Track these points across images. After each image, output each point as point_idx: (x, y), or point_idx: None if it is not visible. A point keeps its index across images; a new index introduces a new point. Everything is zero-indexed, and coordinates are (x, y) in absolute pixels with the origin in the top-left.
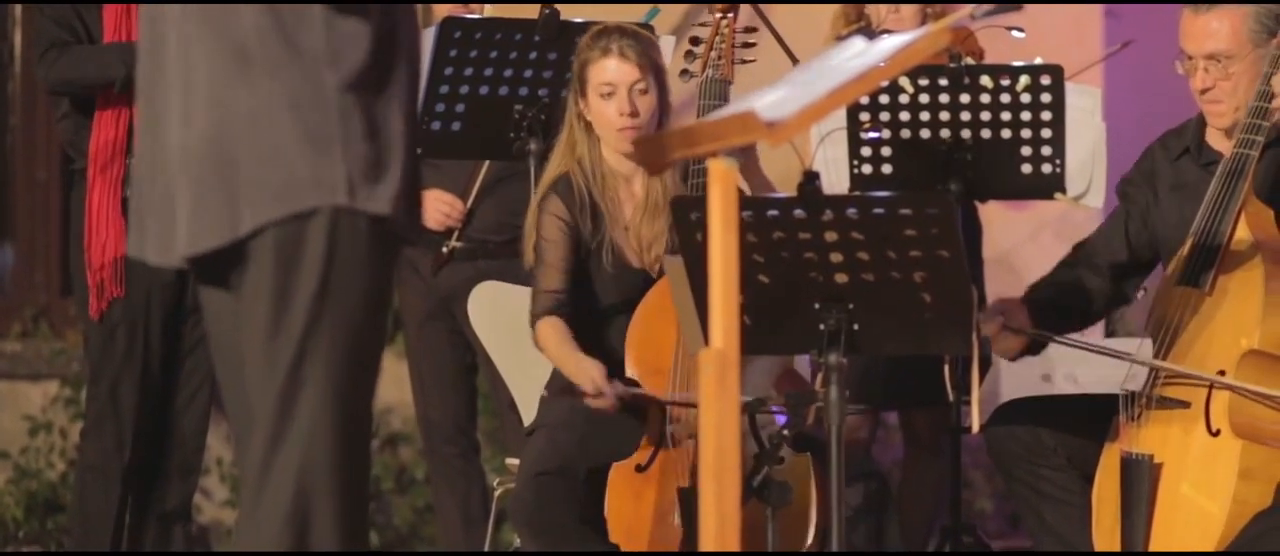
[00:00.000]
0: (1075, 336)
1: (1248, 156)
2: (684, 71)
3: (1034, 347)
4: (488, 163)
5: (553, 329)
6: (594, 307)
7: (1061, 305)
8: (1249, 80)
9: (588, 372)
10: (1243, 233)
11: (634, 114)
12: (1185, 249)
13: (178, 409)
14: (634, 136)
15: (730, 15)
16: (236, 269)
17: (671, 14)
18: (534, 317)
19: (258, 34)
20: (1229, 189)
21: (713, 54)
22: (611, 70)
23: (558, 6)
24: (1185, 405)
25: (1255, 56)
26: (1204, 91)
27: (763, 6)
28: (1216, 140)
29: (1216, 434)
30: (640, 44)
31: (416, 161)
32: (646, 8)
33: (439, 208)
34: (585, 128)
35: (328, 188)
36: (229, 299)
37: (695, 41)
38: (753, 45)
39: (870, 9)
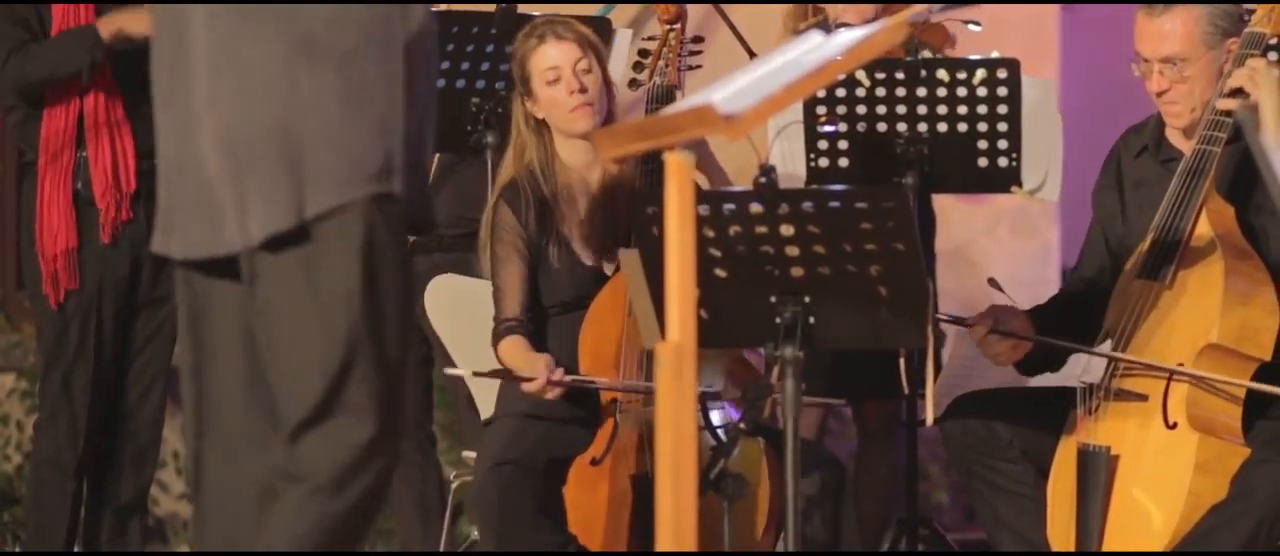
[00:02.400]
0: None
1: (1210, 153)
2: (633, 81)
3: (1035, 363)
4: (437, 155)
5: (514, 345)
6: (545, 305)
7: (1064, 318)
8: (1205, 82)
9: (535, 364)
10: (1203, 229)
11: (583, 90)
12: (1146, 244)
13: (132, 402)
14: (588, 113)
15: (677, 25)
16: (280, 255)
17: (626, 9)
18: (495, 339)
19: (328, 24)
20: (1191, 185)
21: (660, 63)
22: (552, 55)
23: (515, 2)
24: (1143, 398)
25: (1209, 58)
26: (1160, 94)
27: (719, 5)
28: (1176, 138)
29: (1173, 427)
30: (573, 26)
31: (425, 157)
32: (601, 5)
33: None
34: (535, 126)
35: (386, 174)
36: (245, 289)
37: (644, 53)
38: (699, 53)
39: (826, 5)
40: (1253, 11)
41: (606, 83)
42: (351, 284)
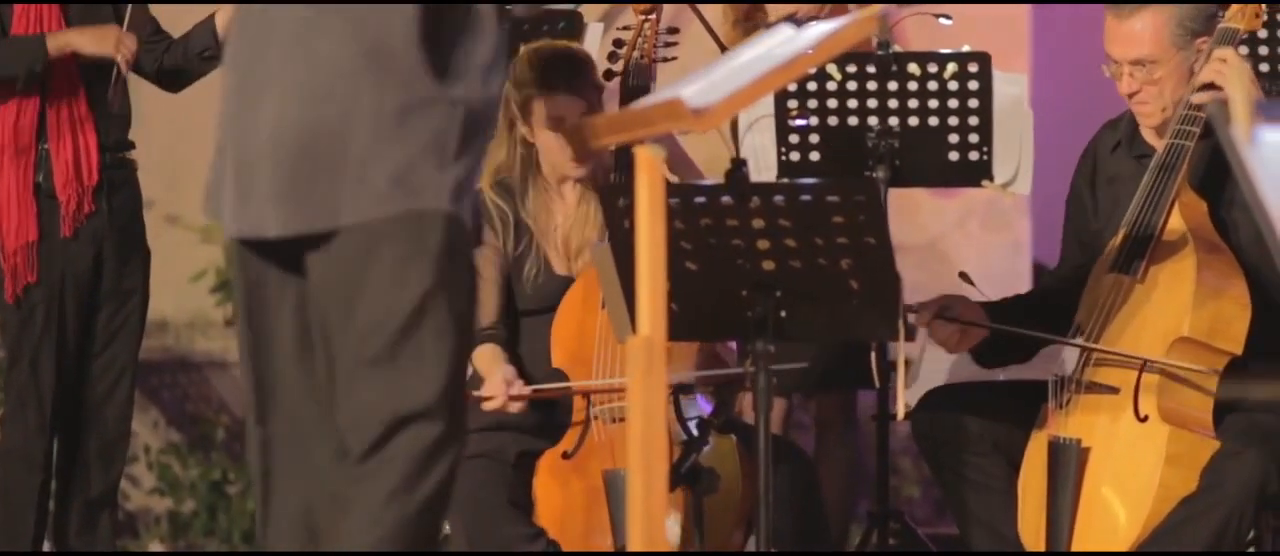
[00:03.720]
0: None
1: (1182, 148)
2: (607, 72)
3: (991, 352)
4: None
5: (487, 354)
6: (516, 314)
7: (1034, 314)
8: (1175, 82)
9: (491, 380)
10: (1176, 223)
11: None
12: (1118, 238)
13: (99, 396)
14: (584, 166)
15: (652, 16)
16: (322, 257)
17: (597, 6)
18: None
19: (403, 37)
20: (1164, 179)
21: (635, 54)
22: (561, 106)
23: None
24: (1114, 390)
25: (1179, 59)
26: (1131, 95)
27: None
28: (1150, 134)
29: (1144, 420)
30: (583, 71)
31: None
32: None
33: None
34: (522, 141)
35: (436, 192)
36: (302, 283)
37: (618, 43)
38: (674, 43)
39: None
40: (1225, 8)
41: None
42: (399, 296)
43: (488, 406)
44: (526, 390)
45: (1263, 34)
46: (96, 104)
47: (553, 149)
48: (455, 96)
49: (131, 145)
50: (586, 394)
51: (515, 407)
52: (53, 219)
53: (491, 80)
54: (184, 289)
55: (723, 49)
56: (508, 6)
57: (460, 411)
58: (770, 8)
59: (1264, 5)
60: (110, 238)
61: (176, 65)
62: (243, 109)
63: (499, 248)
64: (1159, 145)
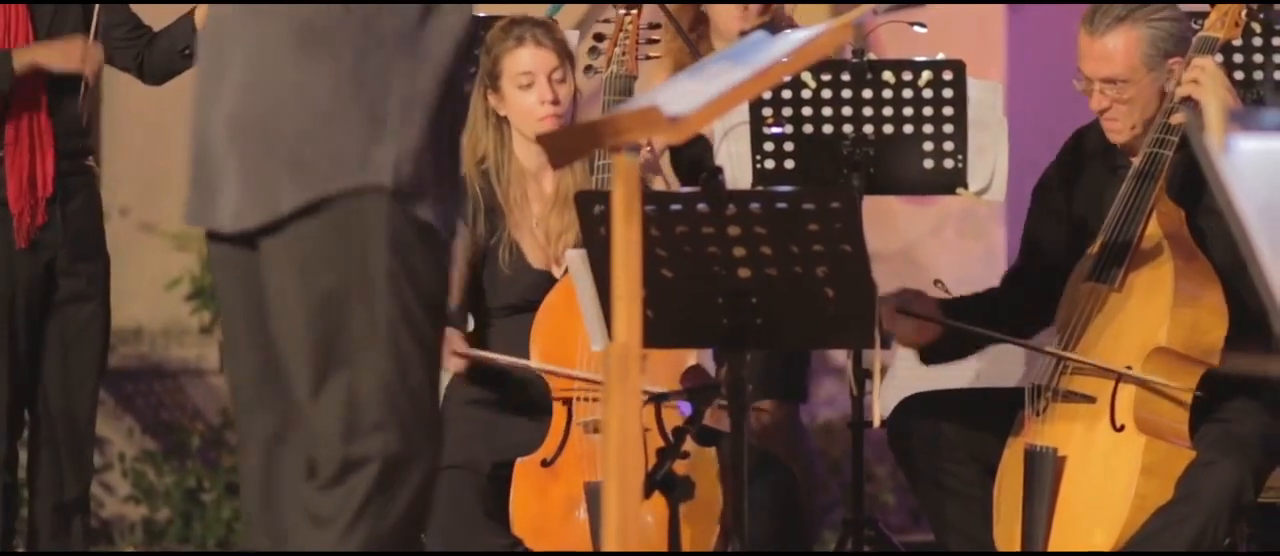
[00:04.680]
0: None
1: (1161, 156)
2: (588, 68)
3: (950, 347)
4: None
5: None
6: (492, 307)
7: (986, 306)
8: (1145, 101)
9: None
10: (1154, 232)
11: (556, 101)
12: (1095, 246)
13: (59, 403)
14: (557, 123)
15: (634, 11)
16: (271, 246)
17: (574, 9)
18: None
19: (325, 13)
20: (1142, 188)
21: (617, 50)
22: (528, 59)
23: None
24: (1091, 400)
25: (1150, 79)
26: (1101, 112)
27: (664, 5)
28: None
29: (1121, 429)
30: (553, 32)
31: (459, 160)
32: (549, 5)
33: None
34: (495, 122)
35: (373, 170)
36: (254, 264)
37: (599, 37)
38: (656, 42)
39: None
40: (1202, 22)
41: (575, 94)
42: (346, 283)
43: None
44: (470, 352)
45: (1238, 42)
46: (56, 114)
47: (523, 109)
48: (393, 70)
49: (89, 152)
50: (571, 394)
51: (455, 365)
52: (5, 229)
53: (438, 52)
54: (159, 296)
55: (697, 55)
56: None
57: (423, 413)
58: (715, 8)
59: (1243, 15)
60: (65, 245)
61: (157, 64)
62: (203, 105)
63: (468, 238)
64: (1133, 156)
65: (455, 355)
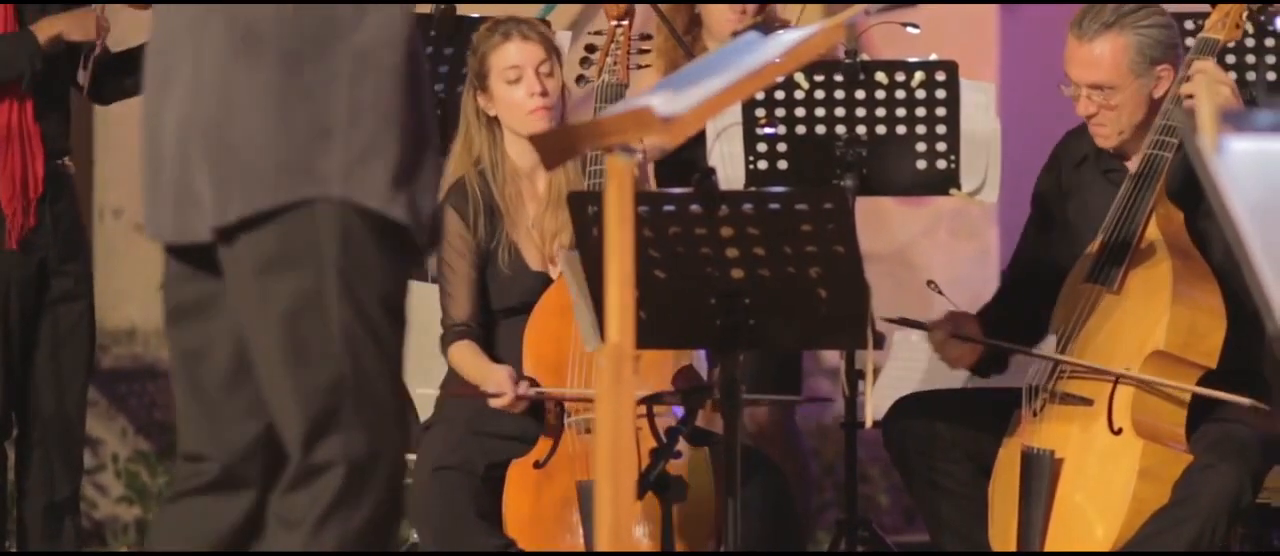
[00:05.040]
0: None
1: (1161, 159)
2: (580, 78)
3: (988, 364)
4: None
5: (466, 350)
6: (491, 309)
7: (1008, 319)
8: (1132, 108)
9: (495, 377)
10: (1152, 233)
11: (544, 93)
12: (1094, 247)
13: (53, 401)
14: (546, 116)
15: (625, 22)
16: (231, 255)
17: (566, 11)
18: (445, 345)
19: (276, 18)
20: (1141, 190)
21: (608, 60)
22: (515, 53)
23: (453, 3)
24: (1088, 402)
25: (1137, 86)
26: (1089, 117)
27: (657, 5)
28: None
29: (1118, 432)
30: (537, 27)
31: (435, 161)
32: (541, 6)
33: None
34: (486, 123)
35: (321, 179)
36: (212, 276)
37: (590, 48)
38: (647, 51)
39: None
40: (1199, 26)
41: (563, 90)
42: (301, 289)
43: (496, 404)
44: (533, 391)
45: (1248, 42)
46: (42, 116)
47: (513, 104)
48: (336, 74)
49: (67, 153)
50: (565, 402)
51: (521, 407)
52: None
53: (382, 54)
54: (152, 297)
55: (690, 56)
56: None
57: (385, 414)
58: (708, 9)
59: (1243, 16)
60: (54, 246)
61: (113, 85)
62: (152, 116)
63: (471, 242)
64: (1126, 161)
65: (519, 398)
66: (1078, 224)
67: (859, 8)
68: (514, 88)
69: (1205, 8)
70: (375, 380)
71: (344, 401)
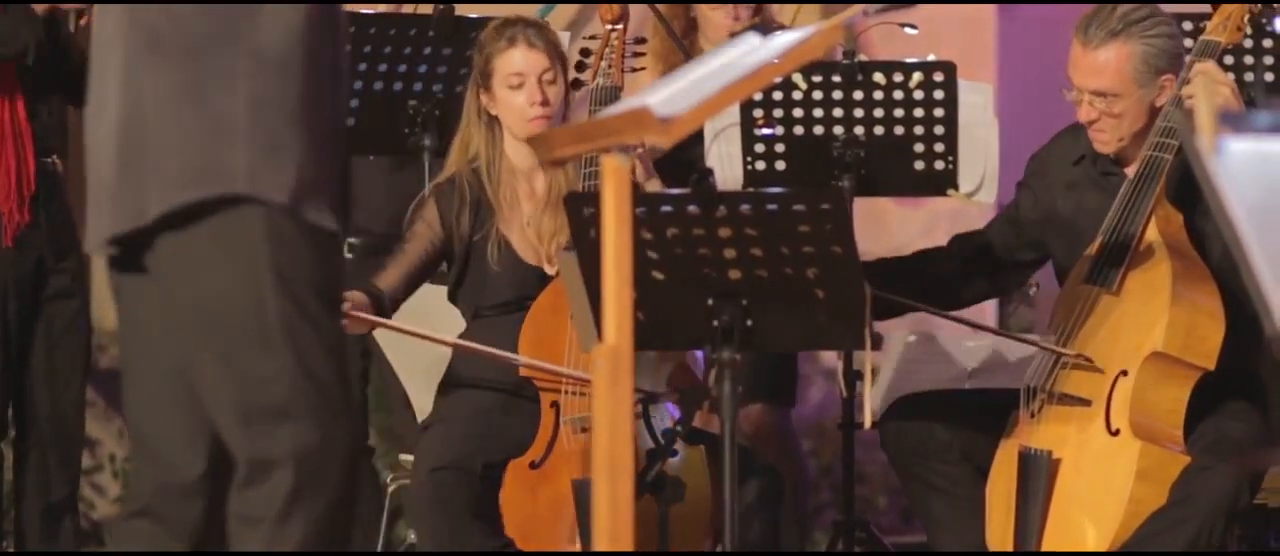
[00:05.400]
0: (976, 320)
1: (1161, 160)
2: (575, 81)
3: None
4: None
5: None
6: (484, 305)
7: (911, 271)
8: (1134, 116)
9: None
10: (1152, 234)
11: (545, 102)
12: (1093, 248)
13: (47, 400)
14: (546, 124)
15: (619, 25)
16: (154, 256)
17: (564, 11)
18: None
19: (170, 19)
20: (1141, 191)
21: (603, 63)
22: (520, 60)
23: (453, 3)
24: (1086, 403)
25: (1140, 95)
26: (1090, 122)
27: (655, 5)
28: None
29: (1116, 433)
30: (545, 33)
31: (340, 154)
32: (540, 6)
33: None
34: (487, 121)
35: (228, 177)
36: (149, 285)
37: (585, 53)
38: (642, 53)
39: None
40: (1206, 20)
41: (566, 96)
42: (230, 286)
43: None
44: (370, 318)
45: (1247, 43)
46: (33, 114)
47: (513, 109)
48: (235, 73)
49: (55, 151)
50: (557, 396)
51: (357, 328)
52: None
53: (281, 52)
54: None
55: (688, 57)
56: None
57: (331, 400)
58: (705, 14)
59: (1245, 18)
60: (48, 245)
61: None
62: (90, 121)
63: (437, 231)
64: (1125, 167)
65: (352, 318)
66: (1070, 221)
67: (857, 9)
68: (515, 93)
69: (1205, 9)
70: (319, 369)
71: (290, 393)
